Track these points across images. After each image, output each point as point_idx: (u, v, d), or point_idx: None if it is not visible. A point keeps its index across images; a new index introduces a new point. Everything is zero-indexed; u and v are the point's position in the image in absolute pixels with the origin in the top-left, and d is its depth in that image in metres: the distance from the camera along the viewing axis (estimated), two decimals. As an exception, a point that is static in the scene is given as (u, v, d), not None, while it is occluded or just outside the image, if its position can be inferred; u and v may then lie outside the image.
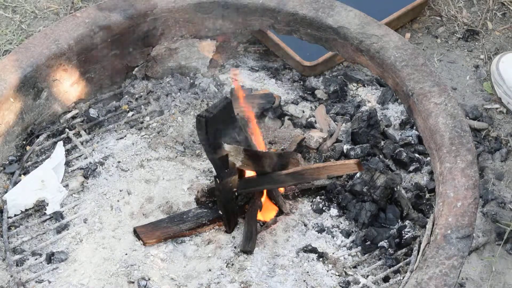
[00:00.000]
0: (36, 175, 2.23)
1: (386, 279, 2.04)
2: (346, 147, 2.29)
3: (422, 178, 2.26)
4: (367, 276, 2.04)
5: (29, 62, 2.26)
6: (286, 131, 2.34)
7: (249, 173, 2.10)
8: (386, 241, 2.08)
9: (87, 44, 2.35)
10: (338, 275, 2.03)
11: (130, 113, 2.43)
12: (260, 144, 2.17)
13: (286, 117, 2.40)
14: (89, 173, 2.27)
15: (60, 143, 2.33)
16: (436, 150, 2.04)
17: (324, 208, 2.18)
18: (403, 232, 2.08)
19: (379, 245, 2.08)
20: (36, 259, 2.09)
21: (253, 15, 2.44)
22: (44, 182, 2.21)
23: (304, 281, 2.02)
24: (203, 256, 2.08)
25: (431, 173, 2.25)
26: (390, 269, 2.05)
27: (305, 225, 2.14)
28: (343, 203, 2.16)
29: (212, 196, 2.13)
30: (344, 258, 2.07)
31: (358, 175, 2.17)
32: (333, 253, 2.08)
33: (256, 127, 2.20)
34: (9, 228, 2.15)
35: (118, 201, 2.20)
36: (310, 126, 2.37)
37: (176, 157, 2.31)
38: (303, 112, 2.41)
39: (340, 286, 2.01)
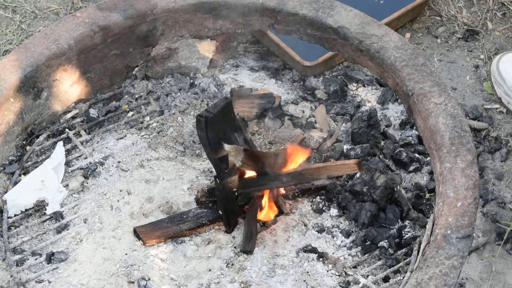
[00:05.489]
0: (36, 175, 2.23)
1: (386, 279, 2.04)
2: (346, 147, 2.29)
3: (422, 178, 2.26)
4: (367, 276, 2.04)
5: (29, 62, 2.26)
6: (286, 131, 2.34)
7: (250, 173, 2.10)
8: (386, 241, 2.08)
9: (87, 44, 2.35)
10: (338, 275, 2.03)
11: (130, 113, 2.43)
12: None
13: (286, 117, 2.40)
14: (89, 173, 2.26)
15: (60, 143, 2.33)
16: (436, 150, 2.04)
17: (324, 208, 2.17)
18: (403, 232, 2.08)
19: (379, 245, 2.08)
20: (36, 259, 2.08)
21: (253, 15, 2.44)
22: (44, 182, 2.21)
23: (304, 281, 2.02)
24: (203, 256, 2.07)
25: (431, 173, 2.25)
26: (390, 269, 2.04)
27: (305, 225, 2.14)
28: (343, 203, 2.16)
29: (212, 196, 2.13)
30: (344, 258, 2.07)
31: (358, 175, 2.17)
32: (333, 253, 2.08)
33: None
34: (9, 228, 2.15)
35: (118, 201, 2.20)
36: (310, 126, 2.37)
37: (176, 157, 2.31)
38: (303, 112, 2.41)
39: (340, 286, 2.01)
